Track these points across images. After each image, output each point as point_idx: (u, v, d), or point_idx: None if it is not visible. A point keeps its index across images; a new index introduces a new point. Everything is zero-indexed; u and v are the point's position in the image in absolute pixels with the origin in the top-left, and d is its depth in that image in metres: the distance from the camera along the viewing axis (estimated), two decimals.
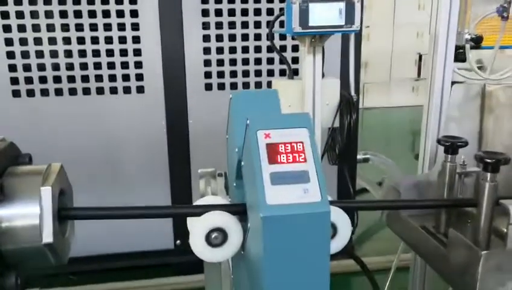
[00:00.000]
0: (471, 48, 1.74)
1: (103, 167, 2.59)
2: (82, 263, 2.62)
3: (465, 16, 1.83)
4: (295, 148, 0.72)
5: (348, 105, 1.77)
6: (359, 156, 3.15)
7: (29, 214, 0.76)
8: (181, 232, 2.64)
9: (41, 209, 0.76)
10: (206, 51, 2.53)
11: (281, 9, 1.79)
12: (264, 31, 2.53)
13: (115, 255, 2.70)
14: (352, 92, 1.87)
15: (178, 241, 2.71)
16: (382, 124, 7.10)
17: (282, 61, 2.42)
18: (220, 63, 2.55)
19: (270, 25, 1.91)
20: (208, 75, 2.56)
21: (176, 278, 2.69)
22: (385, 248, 3.02)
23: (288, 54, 2.52)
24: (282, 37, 2.51)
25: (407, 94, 7.79)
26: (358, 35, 2.41)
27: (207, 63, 2.54)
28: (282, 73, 2.57)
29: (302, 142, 0.73)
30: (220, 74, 2.56)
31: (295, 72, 1.93)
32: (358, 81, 2.38)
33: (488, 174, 0.98)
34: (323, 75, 1.70)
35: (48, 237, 0.76)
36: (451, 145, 1.00)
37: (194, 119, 2.59)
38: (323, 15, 1.54)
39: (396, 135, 6.57)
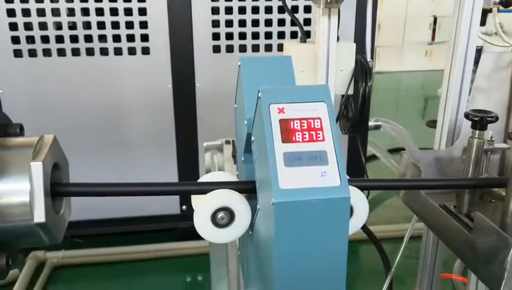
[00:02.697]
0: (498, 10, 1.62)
1: (106, 132, 2.53)
2: (88, 226, 2.64)
3: None
4: (312, 125, 0.64)
5: (363, 71, 1.67)
6: (371, 123, 3.07)
7: (20, 190, 0.70)
8: (187, 198, 2.60)
9: (31, 186, 0.69)
10: (215, 10, 2.42)
11: None
12: None
13: (121, 219, 2.69)
14: (368, 58, 1.77)
15: (184, 207, 2.69)
16: (393, 88, 6.96)
17: (294, 22, 2.32)
18: (229, 24, 2.44)
19: None
20: (216, 36, 2.46)
21: (181, 243, 2.69)
22: (392, 217, 2.99)
23: (300, 16, 2.41)
24: None
25: (420, 58, 7.61)
26: None
27: (215, 23, 2.44)
28: (293, 35, 2.46)
29: (319, 119, 0.65)
30: (229, 36, 2.46)
31: (307, 35, 1.83)
32: (373, 46, 2.27)
33: None
34: (338, 39, 1.60)
35: (39, 216, 0.70)
36: (481, 120, 0.92)
37: (202, 82, 2.51)
38: None
39: (407, 100, 6.45)
